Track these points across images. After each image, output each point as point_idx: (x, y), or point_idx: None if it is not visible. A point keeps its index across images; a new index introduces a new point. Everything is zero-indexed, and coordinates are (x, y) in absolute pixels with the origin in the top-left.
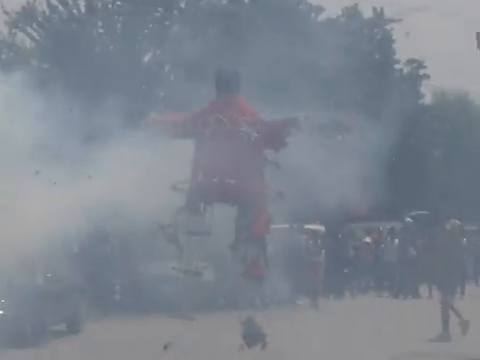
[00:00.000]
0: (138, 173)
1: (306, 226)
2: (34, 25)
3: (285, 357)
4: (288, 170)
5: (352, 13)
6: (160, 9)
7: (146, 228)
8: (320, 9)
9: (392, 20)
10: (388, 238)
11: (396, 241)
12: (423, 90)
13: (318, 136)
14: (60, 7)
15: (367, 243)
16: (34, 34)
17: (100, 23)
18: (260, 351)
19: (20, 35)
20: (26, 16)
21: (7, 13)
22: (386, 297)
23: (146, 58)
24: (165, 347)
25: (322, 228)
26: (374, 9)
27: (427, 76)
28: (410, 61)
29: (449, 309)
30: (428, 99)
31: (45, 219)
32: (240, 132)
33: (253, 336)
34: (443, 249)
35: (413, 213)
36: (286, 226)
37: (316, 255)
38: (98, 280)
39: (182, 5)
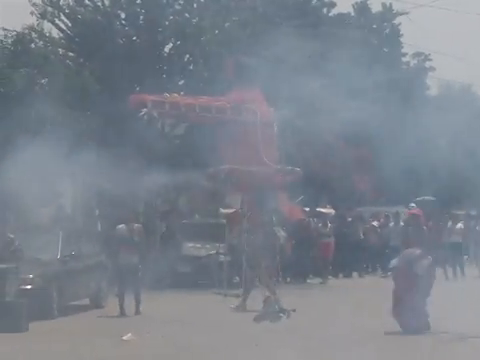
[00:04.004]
0: None
1: (317, 209)
2: (61, 16)
3: (297, 330)
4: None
5: (362, 8)
6: (181, 2)
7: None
8: (332, 4)
9: (400, 14)
10: (393, 222)
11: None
12: (429, 82)
13: None
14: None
15: (374, 226)
16: (61, 25)
17: (123, 15)
18: (275, 325)
19: (47, 25)
20: (53, 7)
21: (35, 5)
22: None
23: (167, 48)
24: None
25: (332, 211)
26: (383, 4)
27: (433, 68)
28: (417, 54)
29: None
30: (434, 91)
31: None
32: (267, 123)
33: (275, 312)
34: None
35: (419, 198)
36: None
37: (326, 237)
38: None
39: None
